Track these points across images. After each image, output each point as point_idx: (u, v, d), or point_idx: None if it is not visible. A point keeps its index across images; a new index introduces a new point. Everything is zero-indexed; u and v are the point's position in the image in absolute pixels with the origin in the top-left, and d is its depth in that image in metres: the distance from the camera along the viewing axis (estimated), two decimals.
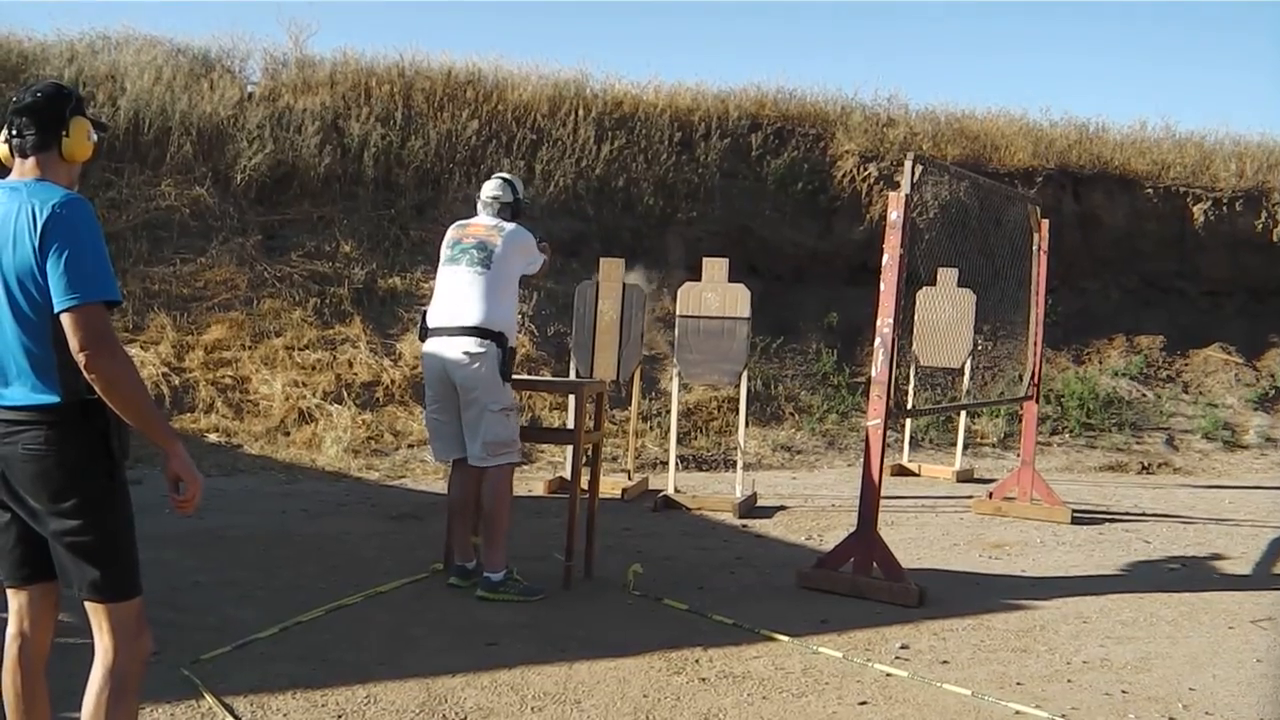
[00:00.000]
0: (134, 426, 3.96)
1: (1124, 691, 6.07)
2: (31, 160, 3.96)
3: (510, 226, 7.52)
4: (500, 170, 16.07)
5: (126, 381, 3.81)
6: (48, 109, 3.97)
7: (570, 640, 6.47)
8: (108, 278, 3.82)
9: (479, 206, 7.74)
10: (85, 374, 3.71)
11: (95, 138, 4.15)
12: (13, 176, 3.96)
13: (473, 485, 7.51)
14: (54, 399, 3.81)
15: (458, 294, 7.32)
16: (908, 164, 8.13)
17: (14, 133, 3.96)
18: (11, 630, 4.16)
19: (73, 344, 3.68)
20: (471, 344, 7.15)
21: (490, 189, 7.73)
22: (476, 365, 7.14)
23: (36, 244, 3.75)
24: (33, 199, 3.81)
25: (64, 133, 3.99)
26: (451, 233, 7.65)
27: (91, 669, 4.06)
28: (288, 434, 12.57)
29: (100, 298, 3.74)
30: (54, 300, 3.70)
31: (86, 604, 4.04)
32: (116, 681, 4.05)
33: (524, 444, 7.79)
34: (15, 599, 4.15)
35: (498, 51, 19.40)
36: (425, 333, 7.44)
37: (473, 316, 7.21)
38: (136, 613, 4.16)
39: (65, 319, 3.68)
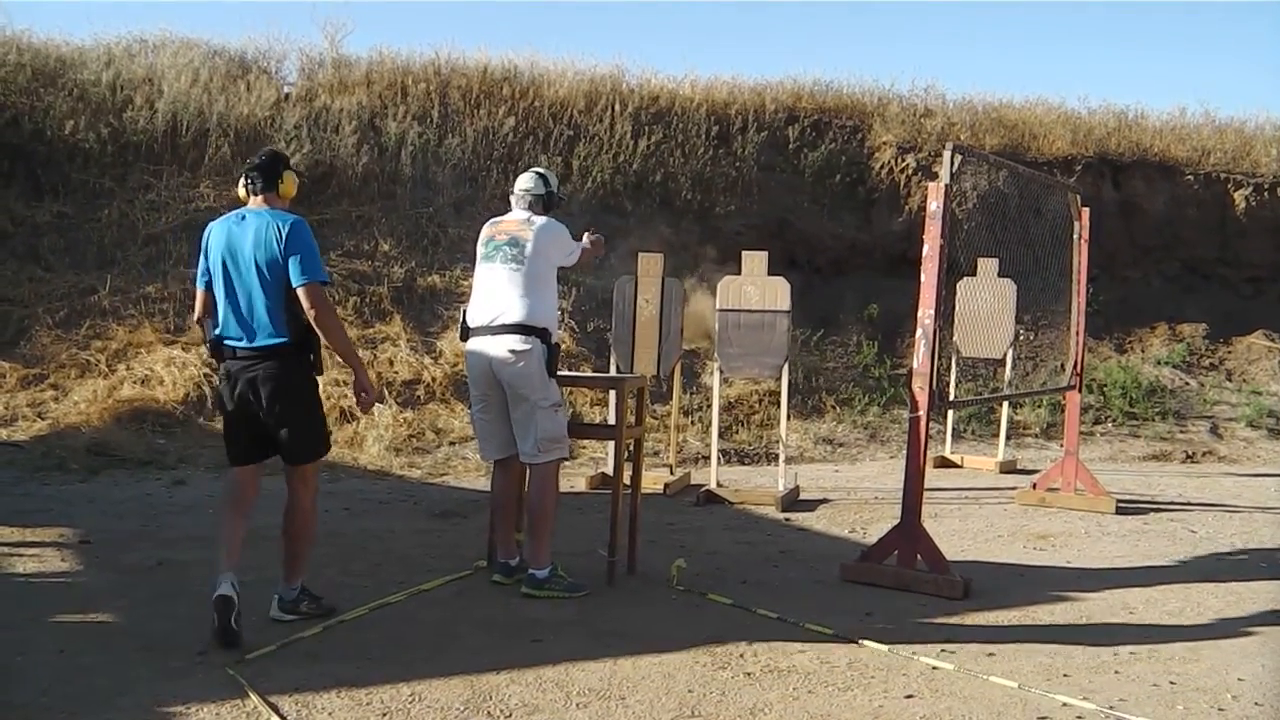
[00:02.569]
0: (337, 353, 6.62)
1: (1172, 682, 6.02)
2: (260, 197, 6.49)
3: (541, 220, 7.46)
4: (538, 166, 16.15)
5: (335, 326, 6.45)
6: (270, 166, 6.53)
7: (614, 636, 6.46)
8: (321, 267, 6.36)
9: (512, 201, 7.70)
10: (313, 323, 6.30)
11: (298, 182, 6.69)
12: (250, 206, 6.48)
13: (516, 483, 7.57)
14: (285, 340, 6.32)
15: (497, 292, 7.27)
16: (946, 154, 8.10)
17: (249, 182, 6.52)
18: (235, 493, 6.48)
19: (305, 306, 6.24)
20: (515, 341, 7.12)
21: (522, 182, 7.69)
22: (522, 363, 7.11)
23: (282, 245, 6.24)
24: (275, 219, 6.31)
25: (279, 180, 6.53)
26: (485, 230, 7.62)
27: (290, 509, 6.61)
28: (330, 433, 12.58)
29: (318, 279, 6.30)
30: (292, 280, 6.23)
31: (293, 466, 6.53)
32: (310, 514, 6.64)
33: (571, 440, 7.74)
34: (241, 473, 6.50)
35: (533, 48, 19.48)
36: (466, 332, 7.41)
37: (514, 314, 7.16)
38: (317, 467, 6.70)
39: (301, 291, 6.23)
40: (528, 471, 7.45)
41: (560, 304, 14.60)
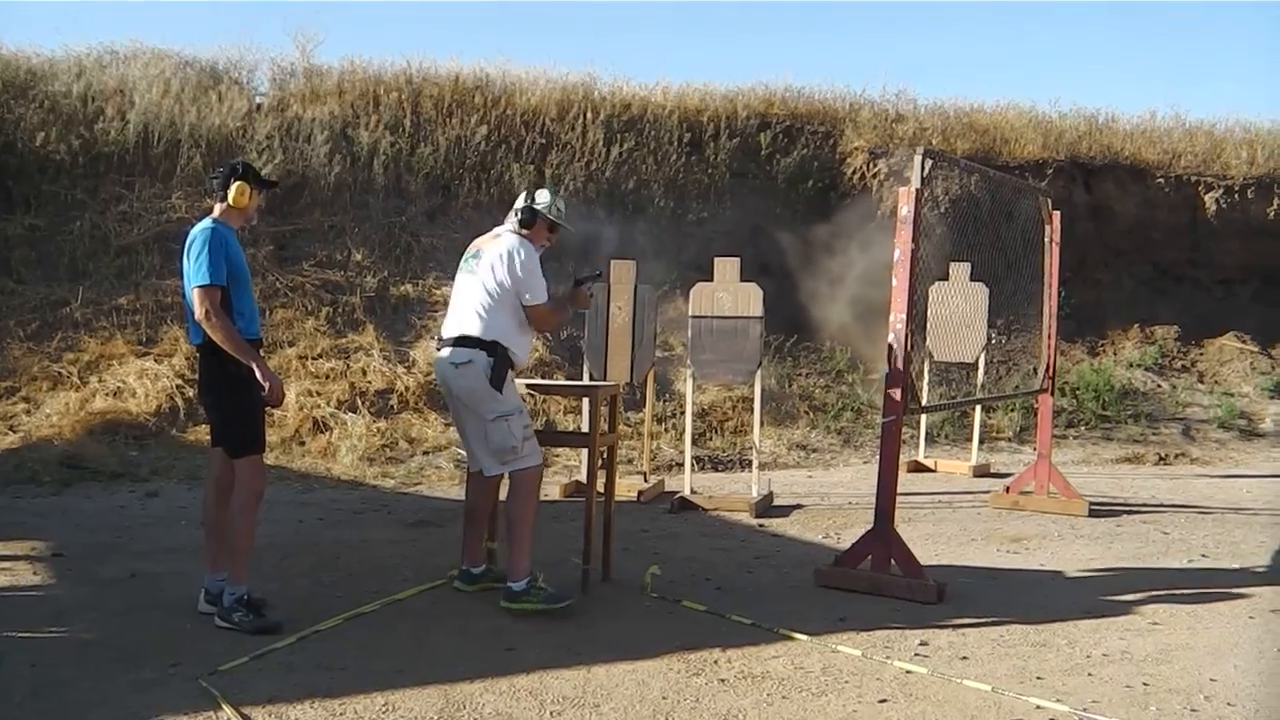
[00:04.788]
0: (229, 352, 6.51)
1: (1145, 684, 6.05)
2: (217, 206, 6.83)
3: (507, 236, 7.31)
4: (510, 174, 16.16)
5: (218, 327, 6.45)
6: (224, 176, 6.83)
7: (588, 643, 6.46)
8: (209, 271, 6.47)
9: None
10: (200, 323, 6.48)
11: (253, 191, 6.86)
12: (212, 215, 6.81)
13: (487, 494, 7.54)
14: (200, 342, 6.62)
15: (455, 304, 7.32)
16: (917, 158, 8.12)
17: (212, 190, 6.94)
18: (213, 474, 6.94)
19: (195, 307, 6.46)
20: (459, 354, 7.08)
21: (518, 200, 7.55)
22: (464, 376, 7.06)
23: (189, 252, 6.62)
24: (198, 228, 6.70)
25: (228, 189, 6.77)
26: (473, 243, 7.56)
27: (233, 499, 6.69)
28: (303, 443, 12.58)
29: (204, 282, 6.44)
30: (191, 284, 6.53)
31: (230, 460, 6.75)
32: (237, 515, 6.67)
33: (543, 448, 7.67)
34: (213, 453, 6.92)
35: (505, 56, 19.47)
36: (439, 343, 7.38)
37: (461, 326, 7.16)
38: (254, 472, 6.72)
39: (193, 294, 6.48)
40: (503, 482, 7.39)
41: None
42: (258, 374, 6.52)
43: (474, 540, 7.63)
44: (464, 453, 7.97)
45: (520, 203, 7.44)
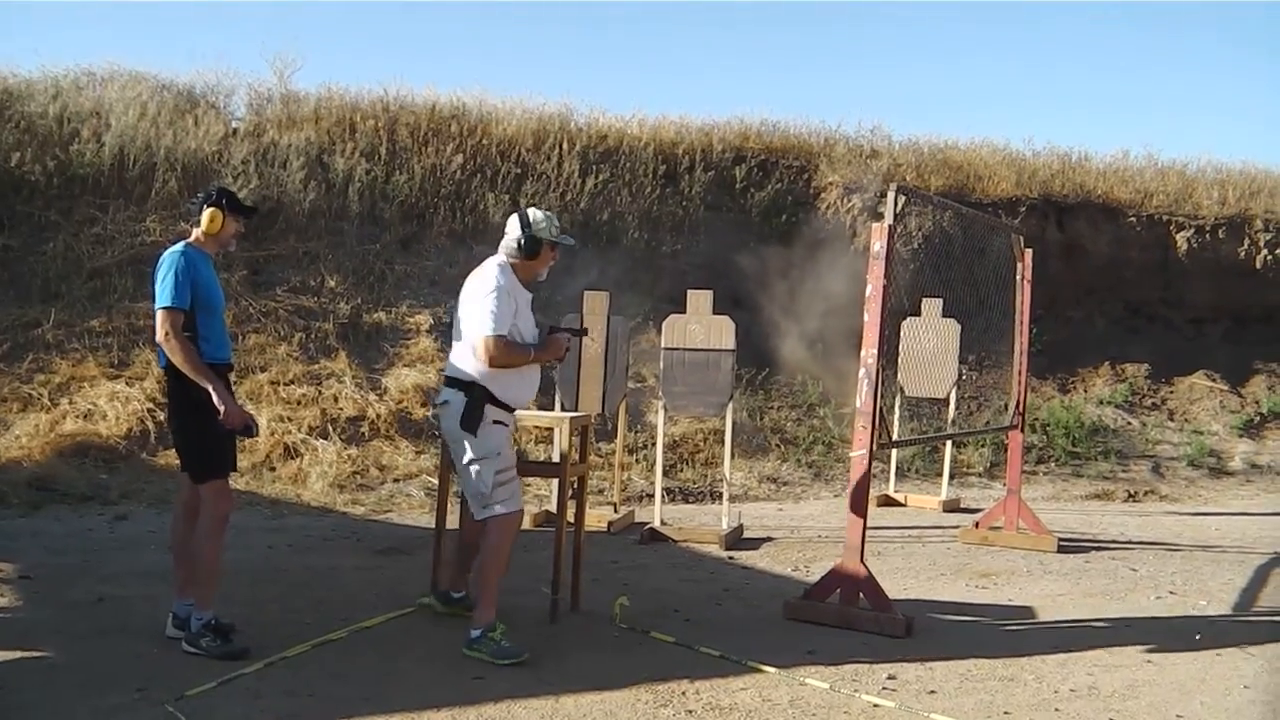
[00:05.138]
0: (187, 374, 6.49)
1: (1111, 719, 6.07)
2: (193, 231, 6.83)
3: (483, 267, 7.05)
4: (485, 203, 16.16)
5: (175, 349, 6.44)
6: (200, 202, 6.84)
7: (557, 673, 6.45)
8: (172, 293, 6.47)
9: None
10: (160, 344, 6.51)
11: (228, 218, 6.84)
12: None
13: (477, 528, 7.34)
14: (163, 365, 6.65)
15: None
16: (890, 195, 8.17)
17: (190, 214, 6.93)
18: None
19: (157, 331, 6.51)
20: (442, 394, 6.99)
21: (507, 225, 7.22)
22: (443, 416, 6.97)
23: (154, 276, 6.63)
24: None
25: (200, 215, 6.77)
26: None
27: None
28: (273, 469, 12.55)
29: (163, 305, 6.48)
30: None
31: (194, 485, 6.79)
32: (203, 540, 6.66)
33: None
34: (181, 477, 6.95)
35: (482, 86, 19.49)
36: None
37: (450, 365, 7.04)
38: (218, 496, 6.66)
39: (156, 316, 6.51)
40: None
41: None
42: (214, 399, 6.45)
43: (459, 566, 7.66)
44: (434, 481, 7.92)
45: (515, 230, 7.09)
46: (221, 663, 6.31)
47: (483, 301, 6.81)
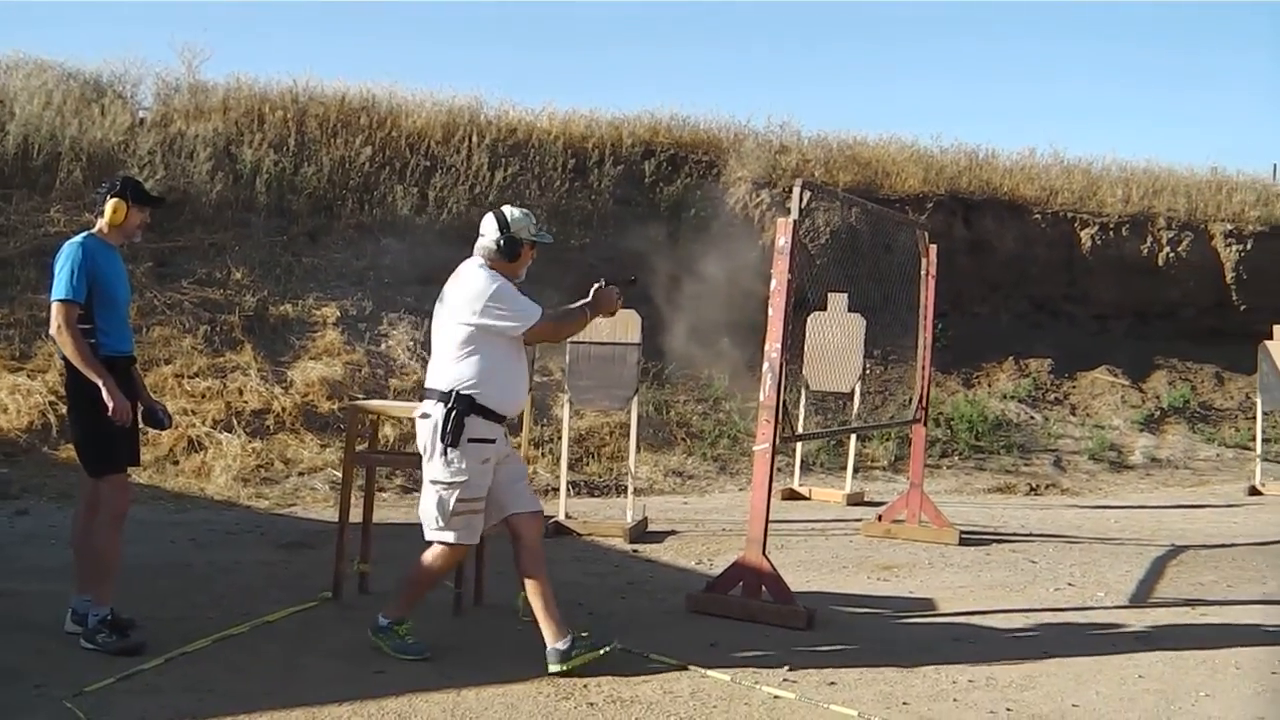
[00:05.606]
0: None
1: (1009, 709, 6.17)
2: (97, 221, 6.82)
3: (468, 272, 6.63)
4: (393, 195, 16.09)
5: (65, 341, 6.42)
6: (103, 192, 6.79)
7: (459, 667, 6.47)
8: (65, 286, 6.45)
9: None
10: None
11: (132, 209, 6.77)
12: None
13: (529, 538, 6.78)
14: (63, 358, 6.54)
15: (433, 351, 6.72)
16: (796, 190, 8.23)
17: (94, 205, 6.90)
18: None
19: (51, 323, 6.49)
20: (422, 406, 6.58)
21: (481, 225, 6.80)
22: (421, 429, 6.54)
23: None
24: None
25: (103, 206, 6.73)
26: None
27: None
28: (177, 463, 12.45)
29: (56, 297, 6.47)
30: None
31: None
32: (99, 536, 6.63)
33: (420, 472, 7.30)
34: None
35: (392, 77, 19.39)
36: None
37: (430, 377, 6.61)
38: (114, 493, 6.62)
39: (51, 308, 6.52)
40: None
41: (413, 334, 14.67)
42: (104, 393, 6.38)
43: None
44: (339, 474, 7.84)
45: (492, 232, 6.68)
46: (121, 659, 6.25)
47: (507, 305, 6.49)
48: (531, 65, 48.08)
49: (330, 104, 17.68)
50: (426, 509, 6.53)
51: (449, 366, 6.48)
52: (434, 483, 6.47)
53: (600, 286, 6.91)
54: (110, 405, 6.38)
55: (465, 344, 6.46)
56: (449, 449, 6.39)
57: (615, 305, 7.00)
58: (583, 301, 6.90)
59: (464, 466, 6.43)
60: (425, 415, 6.50)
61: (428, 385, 6.60)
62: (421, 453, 6.58)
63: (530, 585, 6.60)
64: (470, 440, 6.41)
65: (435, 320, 6.67)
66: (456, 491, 6.44)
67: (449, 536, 6.54)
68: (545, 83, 51.37)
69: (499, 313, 6.46)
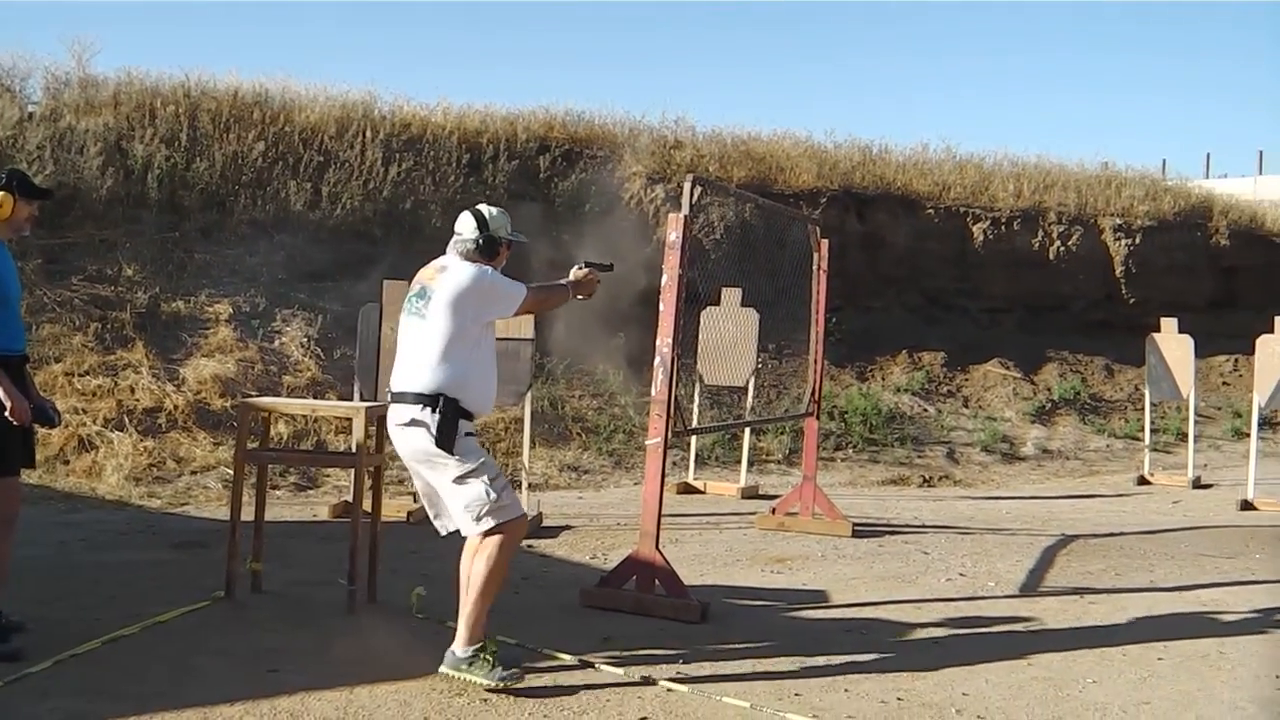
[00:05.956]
0: None
1: (899, 699, 6.25)
2: None
3: (456, 266, 6.45)
4: (287, 191, 15.98)
5: None
6: None
7: (352, 664, 6.45)
8: None
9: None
10: None
11: (19, 202, 6.53)
12: None
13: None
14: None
15: (401, 350, 6.46)
16: (686, 185, 8.30)
17: None
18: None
19: None
20: (405, 412, 6.25)
21: (457, 224, 6.69)
22: (412, 437, 6.25)
23: None
24: None
25: None
26: (415, 276, 6.70)
27: None
28: (67, 462, 12.32)
29: None
30: None
31: None
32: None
33: (313, 470, 7.32)
34: None
35: (285, 72, 19.26)
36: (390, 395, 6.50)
37: (408, 379, 6.31)
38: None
39: None
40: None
41: (307, 331, 14.59)
42: (1, 393, 6.24)
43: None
44: (224, 474, 7.75)
45: (470, 231, 6.57)
46: (5, 663, 6.17)
47: (502, 290, 6.47)
48: (425, 61, 48.01)
49: (223, 99, 17.52)
50: (467, 504, 6.27)
51: (431, 367, 6.24)
52: (461, 478, 6.25)
53: (581, 267, 7.00)
54: (8, 405, 6.25)
55: (454, 342, 6.27)
56: (452, 450, 6.20)
57: (594, 287, 7.04)
58: (564, 280, 6.97)
59: (475, 451, 6.35)
60: (415, 422, 6.22)
61: (403, 387, 6.32)
62: (412, 458, 6.36)
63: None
64: (464, 434, 6.28)
65: (411, 317, 6.43)
66: (485, 469, 6.30)
67: (506, 514, 6.33)
68: (439, 79, 51.33)
69: (495, 296, 6.45)
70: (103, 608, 7.53)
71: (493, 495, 6.24)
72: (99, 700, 5.75)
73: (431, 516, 6.65)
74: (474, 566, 6.37)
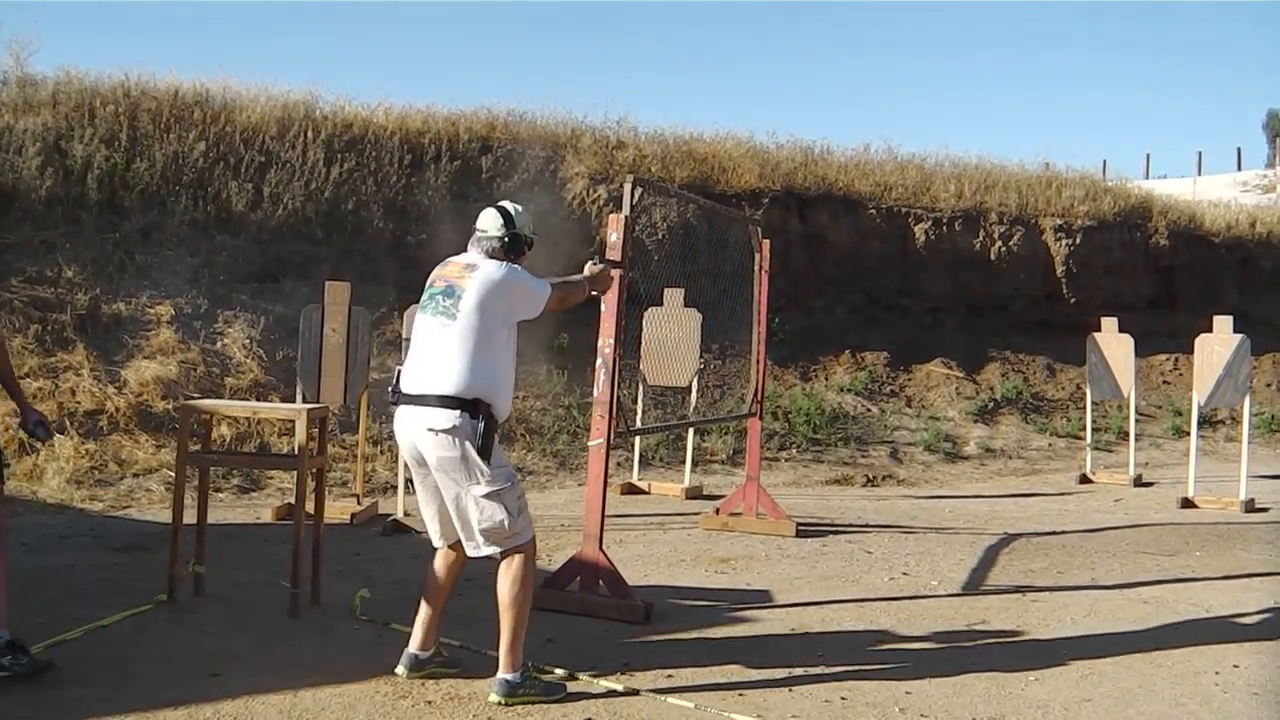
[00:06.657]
0: None
1: (843, 698, 6.28)
2: None
3: (488, 265, 6.19)
4: (228, 191, 15.90)
5: None
6: None
7: (296, 668, 6.44)
8: None
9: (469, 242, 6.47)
10: None
11: None
12: None
13: (452, 571, 6.51)
14: None
15: (424, 352, 6.11)
16: (627, 186, 8.32)
17: None
18: None
19: None
20: (436, 417, 5.94)
21: (479, 221, 6.45)
22: (445, 444, 5.95)
23: None
24: None
25: None
26: (433, 273, 6.39)
27: None
28: (6, 466, 12.19)
29: None
30: None
31: None
32: None
33: (256, 472, 7.33)
34: None
35: (226, 72, 19.16)
36: (396, 396, 6.21)
37: (438, 382, 5.98)
38: None
39: None
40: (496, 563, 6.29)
41: (249, 332, 14.53)
42: None
43: (429, 622, 6.45)
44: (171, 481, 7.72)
45: (497, 229, 6.35)
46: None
47: (523, 287, 6.25)
48: (366, 61, 47.86)
49: (163, 98, 17.41)
50: (482, 527, 6.07)
51: (464, 370, 5.99)
52: (490, 495, 6.02)
53: (595, 263, 7.03)
54: None
55: (486, 343, 6.07)
56: (488, 459, 6.00)
57: (610, 282, 7.20)
58: (580, 275, 6.95)
59: (505, 466, 6.20)
60: (450, 428, 5.95)
61: (428, 389, 6.02)
62: (441, 466, 6.04)
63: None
64: (497, 442, 6.13)
65: (437, 316, 6.14)
66: (514, 489, 6.16)
67: (526, 536, 6.21)
68: (380, 77, 51.21)
69: (525, 295, 6.27)
70: (43, 612, 7.45)
71: (508, 525, 6.06)
72: (39, 706, 5.72)
73: (429, 530, 6.49)
74: (500, 589, 6.16)
